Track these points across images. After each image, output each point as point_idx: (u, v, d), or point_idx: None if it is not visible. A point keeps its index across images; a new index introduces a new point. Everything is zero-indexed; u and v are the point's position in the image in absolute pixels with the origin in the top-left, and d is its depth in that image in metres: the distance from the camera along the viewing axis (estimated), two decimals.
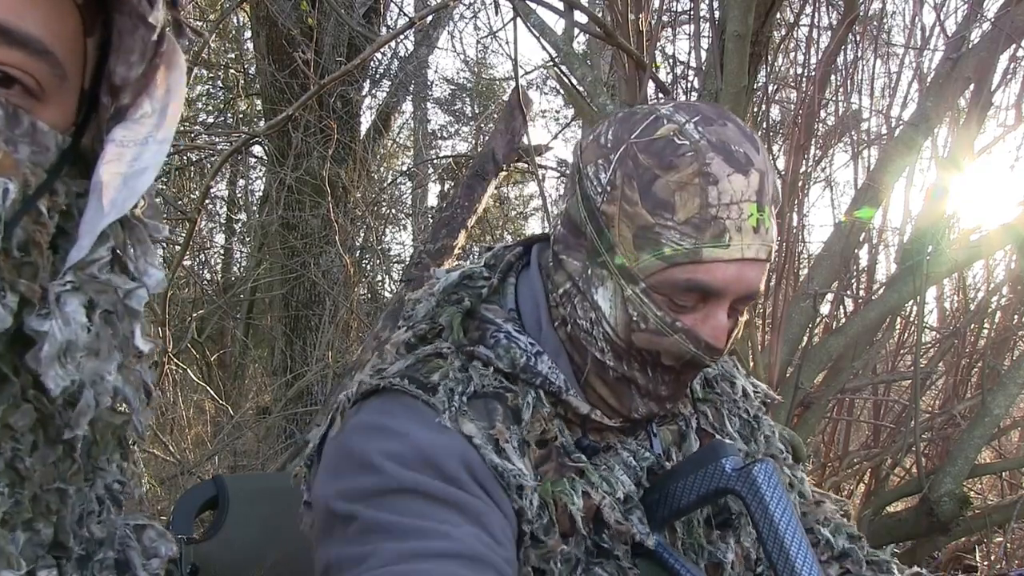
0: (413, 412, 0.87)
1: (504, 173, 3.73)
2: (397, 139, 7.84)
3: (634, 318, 0.87)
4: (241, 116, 6.64)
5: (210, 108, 6.79)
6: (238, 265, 7.26)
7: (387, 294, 6.20)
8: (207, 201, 5.59)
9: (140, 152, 0.53)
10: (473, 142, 7.42)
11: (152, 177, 0.54)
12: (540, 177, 4.19)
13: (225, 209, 7.19)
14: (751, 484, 0.85)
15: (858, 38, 2.89)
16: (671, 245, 0.84)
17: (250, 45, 5.97)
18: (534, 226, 8.20)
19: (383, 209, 6.44)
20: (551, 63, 2.81)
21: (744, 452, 1.05)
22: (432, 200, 7.87)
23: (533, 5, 2.45)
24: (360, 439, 0.85)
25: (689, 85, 2.97)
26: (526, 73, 5.69)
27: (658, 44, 2.85)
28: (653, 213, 0.84)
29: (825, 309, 2.83)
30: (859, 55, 2.90)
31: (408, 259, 6.25)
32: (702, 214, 0.83)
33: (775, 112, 4.07)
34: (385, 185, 6.91)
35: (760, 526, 0.84)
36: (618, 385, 0.91)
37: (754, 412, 1.09)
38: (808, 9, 3.04)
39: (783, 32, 3.35)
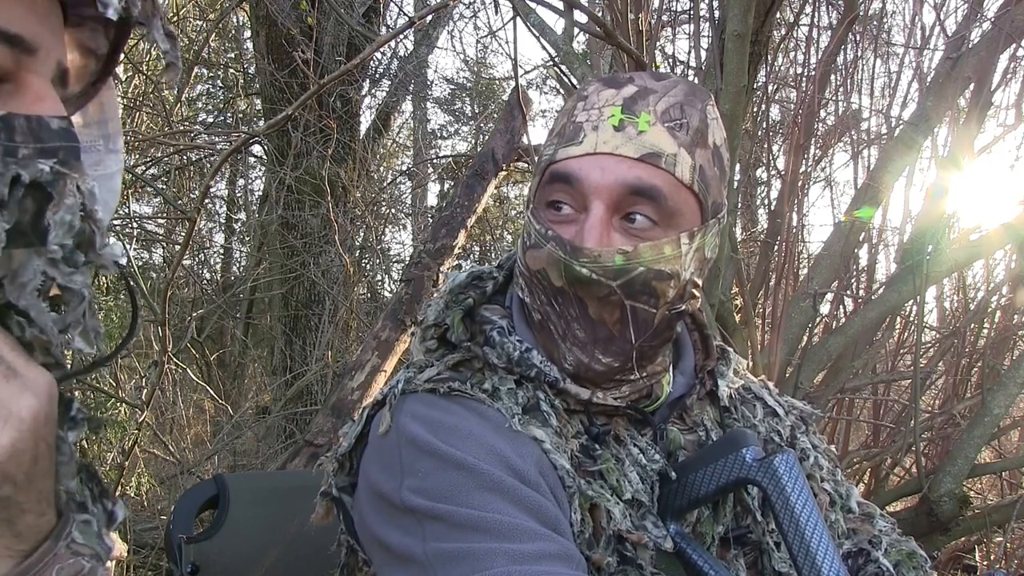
0: (478, 415, 0.87)
1: (504, 173, 3.73)
2: (397, 139, 7.84)
3: (525, 238, 0.93)
4: (241, 115, 6.64)
5: (210, 108, 6.80)
6: (238, 264, 7.26)
7: (387, 294, 6.20)
8: (207, 200, 5.59)
9: (100, 158, 0.60)
10: (473, 142, 7.42)
11: (120, 181, 0.60)
12: None
13: (225, 208, 7.19)
14: (772, 475, 0.85)
15: (858, 38, 2.89)
16: (542, 157, 0.93)
17: (250, 44, 5.97)
18: None
19: (383, 209, 6.43)
20: (551, 63, 2.80)
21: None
22: (432, 200, 7.89)
23: (533, 5, 2.45)
24: (430, 436, 0.84)
25: None
26: (526, 73, 5.71)
27: (658, 44, 2.85)
28: (544, 143, 0.95)
29: (825, 309, 2.83)
30: (859, 55, 2.90)
31: (408, 259, 6.24)
32: (566, 124, 0.91)
33: (775, 112, 4.08)
34: (385, 185, 6.90)
35: (780, 517, 0.84)
36: (542, 331, 0.92)
37: (787, 434, 1.05)
38: (808, 9, 3.04)
39: (783, 32, 3.35)
